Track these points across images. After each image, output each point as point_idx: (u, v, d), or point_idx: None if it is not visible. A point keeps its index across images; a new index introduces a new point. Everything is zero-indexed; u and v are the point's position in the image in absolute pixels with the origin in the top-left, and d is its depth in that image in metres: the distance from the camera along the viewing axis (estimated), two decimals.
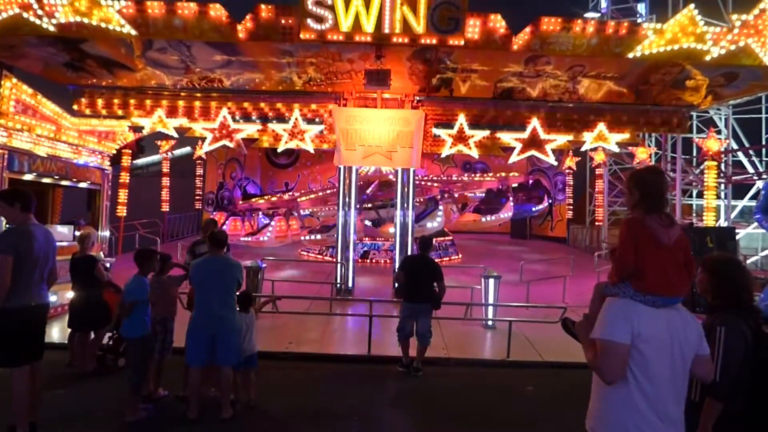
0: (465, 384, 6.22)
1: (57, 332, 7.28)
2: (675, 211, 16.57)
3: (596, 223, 18.74)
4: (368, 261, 15.06)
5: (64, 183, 8.95)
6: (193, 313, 4.94)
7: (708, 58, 8.18)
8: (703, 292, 2.72)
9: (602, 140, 10.53)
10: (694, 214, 19.88)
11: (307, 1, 7.98)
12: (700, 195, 17.74)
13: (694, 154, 18.56)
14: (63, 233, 8.65)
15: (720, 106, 16.34)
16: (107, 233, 10.00)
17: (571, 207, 20.76)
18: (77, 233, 7.41)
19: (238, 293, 5.03)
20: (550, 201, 21.36)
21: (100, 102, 10.60)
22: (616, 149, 11.56)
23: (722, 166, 15.52)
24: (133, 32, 8.13)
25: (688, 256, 2.26)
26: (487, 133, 10.61)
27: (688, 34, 8.05)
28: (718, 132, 15.77)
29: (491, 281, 8.64)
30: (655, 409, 2.09)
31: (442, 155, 11.07)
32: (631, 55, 8.30)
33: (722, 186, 16.79)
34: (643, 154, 14.72)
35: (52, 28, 8.07)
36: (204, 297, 4.83)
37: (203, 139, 10.99)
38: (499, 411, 5.44)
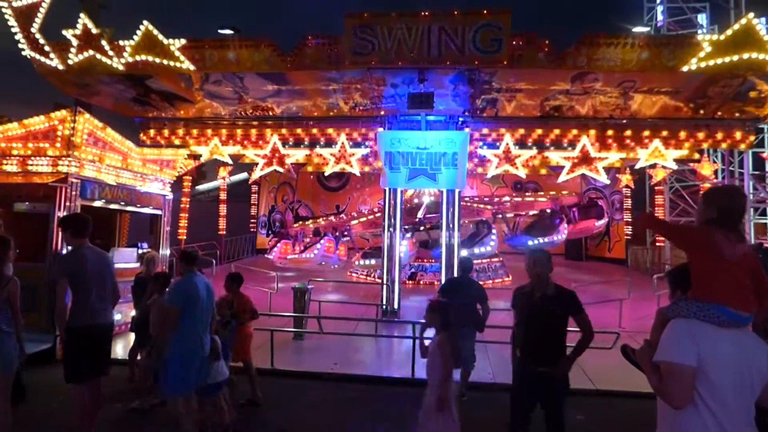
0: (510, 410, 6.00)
1: (120, 349, 7.72)
2: (746, 232, 15.42)
3: (657, 244, 17.73)
4: (416, 282, 14.99)
5: (129, 209, 9.63)
6: (183, 340, 4.23)
7: None
8: None
9: (658, 157, 10.07)
10: None
11: (351, 30, 8.30)
12: None
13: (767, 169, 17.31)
14: (128, 255, 9.27)
15: None
16: (167, 252, 10.58)
17: (630, 227, 19.74)
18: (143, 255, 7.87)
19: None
20: (608, 219, 20.29)
21: (164, 132, 11.41)
22: (674, 166, 10.99)
23: None
24: (192, 67, 8.76)
25: (758, 277, 2.11)
26: (534, 152, 10.44)
27: (748, 44, 7.63)
28: None
29: None
30: None
31: (488, 176, 10.96)
32: (685, 68, 7.96)
33: None
34: (706, 171, 13.84)
35: (121, 67, 8.86)
36: (196, 320, 4.29)
37: (257, 164, 11.52)
38: None
